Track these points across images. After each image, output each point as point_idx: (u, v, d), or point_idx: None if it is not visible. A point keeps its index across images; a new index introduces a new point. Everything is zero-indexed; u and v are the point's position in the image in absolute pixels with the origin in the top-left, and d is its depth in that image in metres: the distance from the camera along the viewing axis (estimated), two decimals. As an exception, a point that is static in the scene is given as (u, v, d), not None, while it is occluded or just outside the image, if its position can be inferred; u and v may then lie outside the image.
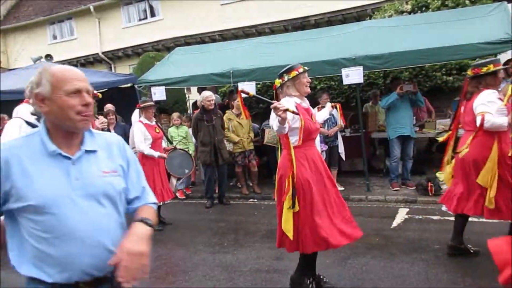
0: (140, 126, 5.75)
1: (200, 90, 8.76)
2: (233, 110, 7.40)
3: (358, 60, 6.32)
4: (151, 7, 15.84)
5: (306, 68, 3.44)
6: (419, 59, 6.19)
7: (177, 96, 11.20)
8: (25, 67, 11.14)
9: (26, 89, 2.77)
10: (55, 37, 17.66)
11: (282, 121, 2.99)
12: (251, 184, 7.76)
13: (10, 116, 7.59)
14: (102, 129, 4.44)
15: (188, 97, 12.50)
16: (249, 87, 7.19)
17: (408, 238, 4.67)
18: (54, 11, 17.05)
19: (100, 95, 4.68)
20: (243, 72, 7.17)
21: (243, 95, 3.22)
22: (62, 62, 14.38)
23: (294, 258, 3.63)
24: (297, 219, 3.25)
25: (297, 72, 3.34)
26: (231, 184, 8.17)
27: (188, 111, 12.61)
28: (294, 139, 3.33)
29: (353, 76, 6.37)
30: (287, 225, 3.22)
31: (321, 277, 3.56)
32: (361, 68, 6.29)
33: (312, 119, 3.46)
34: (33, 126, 3.42)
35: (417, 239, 4.62)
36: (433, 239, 4.54)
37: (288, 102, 3.25)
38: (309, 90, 3.47)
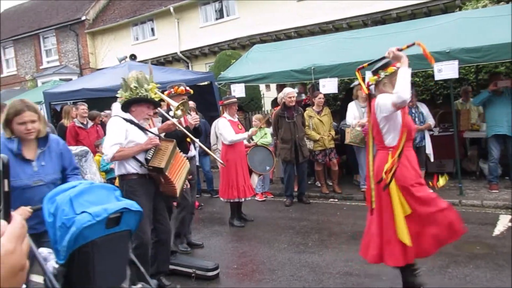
0: (225, 121, 5.83)
1: (278, 87, 8.71)
2: (314, 107, 7.23)
3: (452, 54, 5.86)
4: (227, 6, 16.12)
5: None
6: (523, 51, 5.60)
7: (252, 94, 11.27)
8: (112, 66, 11.82)
9: None
10: (137, 38, 18.61)
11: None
12: (330, 183, 7.56)
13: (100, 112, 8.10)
14: (195, 125, 4.49)
15: (263, 94, 12.54)
16: (330, 84, 7.01)
17: (515, 249, 4.22)
18: (137, 13, 17.98)
19: (192, 91, 4.76)
20: (324, 68, 6.98)
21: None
22: (144, 61, 15.11)
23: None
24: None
25: (395, 68, 3.09)
26: (309, 182, 8.01)
27: (263, 109, 12.66)
28: (390, 138, 3.13)
29: (446, 70, 5.92)
30: (403, 233, 3.01)
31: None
32: (456, 62, 5.82)
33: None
34: (131, 122, 3.55)
35: (526, 250, 4.16)
36: (546, 251, 4.06)
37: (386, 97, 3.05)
38: None
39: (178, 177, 3.70)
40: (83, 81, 11.06)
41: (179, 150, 3.83)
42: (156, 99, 3.70)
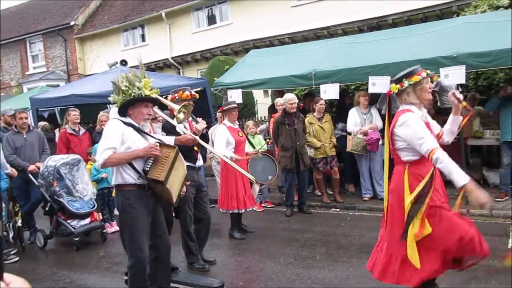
0: (223, 129, 5.52)
1: (276, 93, 8.48)
2: (315, 114, 7.00)
3: (459, 59, 5.68)
4: (220, 12, 15.90)
5: (429, 72, 3.02)
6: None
7: (246, 100, 11.01)
8: (103, 72, 11.47)
9: None
10: (127, 44, 18.26)
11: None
12: (330, 192, 7.31)
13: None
14: (202, 132, 4.17)
15: (257, 100, 12.30)
16: (332, 90, 6.78)
17: (536, 262, 3.99)
18: (127, 18, 17.66)
19: (197, 95, 4.45)
20: (326, 73, 6.76)
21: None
22: (134, 67, 14.77)
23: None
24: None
25: (420, 77, 2.91)
26: (307, 191, 7.74)
27: (257, 115, 12.41)
28: (410, 155, 2.90)
29: (453, 76, 5.74)
30: (413, 252, 2.83)
31: None
32: (463, 67, 5.64)
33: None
34: (131, 126, 3.26)
35: (548, 263, 3.94)
36: None
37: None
38: (431, 97, 3.07)
39: (176, 185, 3.42)
40: (73, 87, 10.66)
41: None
42: (153, 95, 3.38)
